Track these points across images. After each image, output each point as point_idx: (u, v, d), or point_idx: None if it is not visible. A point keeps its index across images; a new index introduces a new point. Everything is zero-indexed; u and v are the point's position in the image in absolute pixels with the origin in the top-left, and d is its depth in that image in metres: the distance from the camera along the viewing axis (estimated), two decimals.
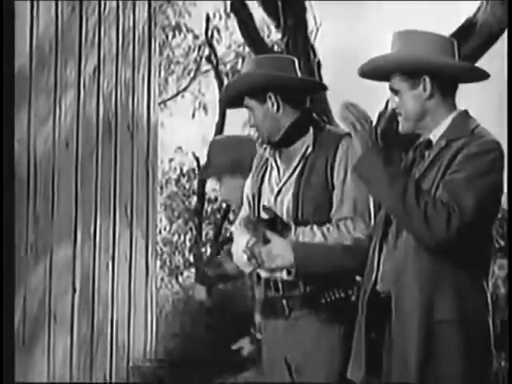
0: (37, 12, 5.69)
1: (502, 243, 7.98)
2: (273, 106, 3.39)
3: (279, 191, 3.43)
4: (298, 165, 3.40)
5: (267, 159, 3.53)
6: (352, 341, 3.09)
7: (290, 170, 3.42)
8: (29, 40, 5.67)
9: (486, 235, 2.85)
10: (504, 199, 4.73)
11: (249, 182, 3.62)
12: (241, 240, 3.50)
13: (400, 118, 2.93)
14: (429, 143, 2.89)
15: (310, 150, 3.38)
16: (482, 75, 2.95)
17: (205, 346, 8.21)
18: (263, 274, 3.46)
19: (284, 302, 3.39)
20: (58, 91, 5.91)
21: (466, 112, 2.89)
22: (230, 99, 3.52)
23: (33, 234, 5.69)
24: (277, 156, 3.47)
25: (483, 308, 2.80)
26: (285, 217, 3.39)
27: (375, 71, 2.99)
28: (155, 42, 6.68)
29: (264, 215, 3.35)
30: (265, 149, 3.54)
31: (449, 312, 2.78)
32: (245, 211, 3.57)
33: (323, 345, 3.31)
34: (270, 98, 3.38)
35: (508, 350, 4.49)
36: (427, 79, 2.84)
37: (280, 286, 3.40)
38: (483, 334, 2.82)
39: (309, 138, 3.41)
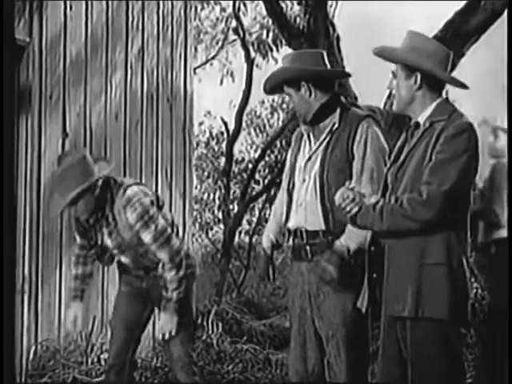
0: (91, 5, 6.04)
1: None
2: (305, 92, 3.89)
3: (309, 158, 3.90)
4: (325, 138, 3.88)
5: (302, 134, 4.00)
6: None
7: (319, 142, 3.89)
8: (84, 29, 6.01)
9: (466, 198, 3.32)
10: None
11: (289, 153, 4.09)
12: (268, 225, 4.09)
13: (394, 100, 3.44)
14: (417, 125, 3.39)
15: (336, 126, 3.87)
16: (463, 85, 3.44)
17: None
18: (292, 227, 3.91)
19: (308, 248, 3.83)
20: (109, 71, 6.24)
21: (446, 99, 3.40)
22: (272, 87, 3.99)
23: None
24: (310, 131, 3.95)
25: (463, 254, 3.27)
26: (312, 179, 3.84)
27: (384, 57, 3.45)
28: (191, 23, 6.92)
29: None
30: (301, 125, 4.02)
31: (438, 257, 3.21)
32: (285, 176, 4.04)
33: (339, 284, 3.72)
34: (303, 86, 3.89)
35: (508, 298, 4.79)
36: (418, 76, 3.35)
37: (304, 235, 3.84)
38: (463, 274, 3.26)
39: (336, 117, 3.88)
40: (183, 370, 4.23)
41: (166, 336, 4.17)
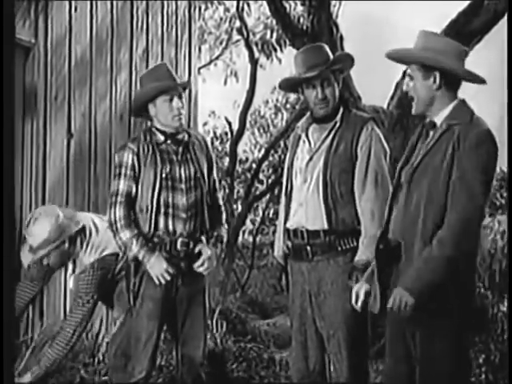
0: (96, 5, 6.08)
1: (503, 202, 8.31)
2: (339, 85, 3.92)
3: (311, 158, 3.89)
4: (327, 137, 3.88)
5: (299, 136, 3.98)
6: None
7: (320, 141, 3.89)
8: (89, 30, 6.04)
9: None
10: (505, 158, 5.25)
11: (287, 157, 4.06)
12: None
13: (413, 103, 3.38)
14: (433, 124, 3.35)
15: (337, 125, 3.87)
16: (481, 80, 3.36)
17: None
18: (291, 226, 3.92)
19: (308, 248, 3.85)
20: (114, 71, 6.27)
21: (463, 100, 3.34)
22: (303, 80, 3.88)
23: (94, 193, 6.05)
24: (309, 132, 3.95)
25: (475, 250, 3.29)
26: (315, 178, 3.84)
27: (398, 59, 3.43)
28: (195, 23, 6.93)
29: None
30: (297, 127, 4.01)
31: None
32: (284, 182, 4.03)
33: (339, 283, 3.80)
34: (339, 78, 3.93)
35: (508, 297, 4.90)
36: (437, 75, 3.29)
37: (305, 235, 3.86)
38: (472, 270, 3.28)
39: (337, 116, 3.90)
40: (203, 372, 4.13)
41: (206, 271, 4.05)
